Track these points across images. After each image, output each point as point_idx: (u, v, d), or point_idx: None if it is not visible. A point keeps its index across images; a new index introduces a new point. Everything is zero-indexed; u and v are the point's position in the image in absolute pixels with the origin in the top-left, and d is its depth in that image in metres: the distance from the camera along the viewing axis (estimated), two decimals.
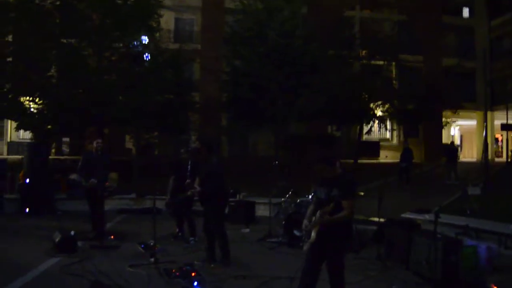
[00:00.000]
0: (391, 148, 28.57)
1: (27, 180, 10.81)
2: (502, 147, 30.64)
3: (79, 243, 6.97)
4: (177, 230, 8.05)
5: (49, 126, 13.80)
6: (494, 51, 28.86)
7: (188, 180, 6.86)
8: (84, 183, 7.73)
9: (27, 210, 10.50)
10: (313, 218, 4.53)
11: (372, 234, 7.77)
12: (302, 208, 7.89)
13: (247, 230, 8.99)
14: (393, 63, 21.56)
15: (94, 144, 7.91)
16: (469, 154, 31.94)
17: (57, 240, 6.70)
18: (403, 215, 9.09)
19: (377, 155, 27.73)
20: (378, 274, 6.02)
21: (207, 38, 25.02)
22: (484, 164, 14.95)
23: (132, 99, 12.61)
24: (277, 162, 10.99)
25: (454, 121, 24.96)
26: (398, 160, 25.85)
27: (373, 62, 20.51)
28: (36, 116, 13.53)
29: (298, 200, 8.26)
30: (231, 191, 10.02)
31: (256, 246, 7.65)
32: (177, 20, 25.89)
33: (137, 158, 15.45)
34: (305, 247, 4.51)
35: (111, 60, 14.31)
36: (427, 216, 8.97)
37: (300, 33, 14.29)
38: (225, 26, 25.01)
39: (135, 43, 12.72)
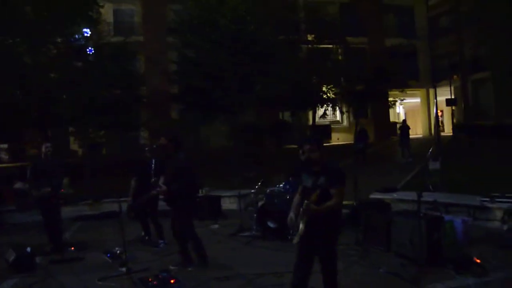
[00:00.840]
0: (342, 130, 29.05)
1: None
2: (443, 122, 32.04)
3: (37, 259, 6.31)
4: (143, 233, 7.54)
5: None
6: (433, 29, 29.92)
7: (153, 178, 6.37)
8: (36, 193, 7.01)
9: None
10: (301, 209, 4.27)
11: (346, 218, 7.66)
12: (274, 198, 7.62)
13: (216, 226, 8.63)
14: (339, 46, 21.71)
15: (43, 149, 7.19)
16: (414, 131, 33.18)
17: (11, 259, 6.00)
18: (371, 196, 9.05)
19: (329, 138, 28.08)
20: (360, 260, 5.88)
21: (149, 29, 24.08)
22: (437, 139, 15.38)
23: (76, 96, 11.69)
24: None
25: (403, 99, 25.67)
26: (350, 142, 26.57)
27: (321, 46, 20.52)
28: None
29: (268, 190, 7.97)
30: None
31: (230, 242, 7.30)
32: (116, 11, 24.63)
33: (87, 160, 14.49)
34: (295, 240, 4.25)
35: (49, 56, 13.23)
36: (395, 195, 9.02)
37: (251, 19, 13.87)
38: (170, 15, 24.30)
39: (76, 36, 11.76)
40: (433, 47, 29.92)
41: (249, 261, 6.16)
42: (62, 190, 7.17)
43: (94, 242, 7.78)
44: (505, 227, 6.93)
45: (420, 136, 29.96)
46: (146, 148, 6.35)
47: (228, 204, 10.79)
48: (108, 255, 6.54)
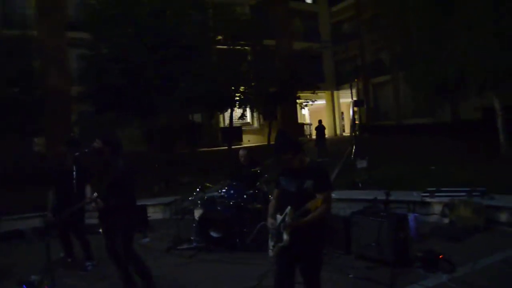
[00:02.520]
0: (252, 132, 29.06)
1: None
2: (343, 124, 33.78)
3: None
4: (64, 255, 6.36)
5: None
6: (335, 35, 31.32)
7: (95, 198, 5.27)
8: None
9: None
10: (278, 216, 3.72)
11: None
12: (216, 205, 6.94)
13: (147, 239, 7.67)
14: (254, 47, 21.56)
15: None
16: None
17: None
18: None
19: (240, 140, 27.89)
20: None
21: (45, 22, 21.64)
22: (356, 137, 15.78)
23: None
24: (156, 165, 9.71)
25: (314, 101, 26.40)
26: (261, 143, 26.60)
27: (235, 47, 20.14)
28: None
29: (206, 197, 7.26)
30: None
31: (170, 258, 6.44)
32: (5, 1, 21.78)
33: None
34: (273, 252, 3.69)
35: None
36: (333, 194, 8.83)
37: (171, 13, 12.90)
38: (70, 9, 22.12)
39: None
40: (336, 52, 31.31)
41: (200, 278, 5.42)
42: None
43: (1, 270, 6.39)
44: (446, 221, 7.08)
45: (327, 136, 31.07)
46: (76, 154, 5.28)
47: (153, 213, 9.81)
48: (24, 286, 5.32)
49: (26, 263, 6.50)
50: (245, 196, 6.82)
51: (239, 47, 20.66)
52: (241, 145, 27.87)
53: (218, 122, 27.74)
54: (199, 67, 12.84)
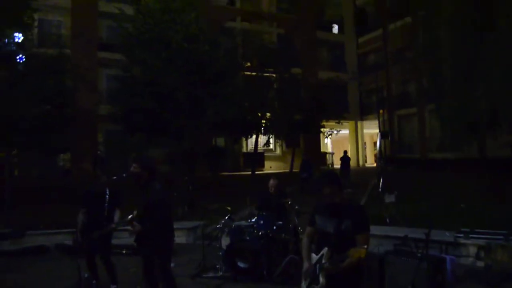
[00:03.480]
0: (274, 158, 28.99)
1: None
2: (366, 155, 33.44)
3: None
4: (89, 276, 6.29)
5: None
6: (361, 66, 31.37)
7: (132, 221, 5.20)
8: None
9: None
10: (313, 255, 3.60)
11: None
12: (244, 234, 6.82)
13: (172, 264, 7.52)
14: (281, 75, 21.73)
15: None
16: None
17: None
18: None
19: (262, 166, 27.84)
20: None
21: (78, 43, 22.36)
22: (383, 170, 15.48)
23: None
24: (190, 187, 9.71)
25: (339, 131, 26.27)
26: (282, 170, 26.45)
27: (263, 74, 20.35)
28: None
29: (234, 225, 7.16)
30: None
31: (197, 285, 6.33)
32: (41, 21, 22.59)
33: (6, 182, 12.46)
34: None
35: None
36: None
37: (204, 38, 13.13)
38: (102, 30, 22.81)
39: (6, 41, 10.11)
40: (362, 82, 31.28)
41: None
42: None
43: (19, 287, 6.38)
44: (481, 264, 6.78)
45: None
46: (114, 177, 5.29)
47: (175, 237, 9.69)
48: None
49: (47, 281, 6.44)
50: (274, 227, 6.69)
51: (266, 74, 20.88)
52: (262, 171, 27.80)
53: (241, 147, 27.82)
54: (228, 93, 12.94)
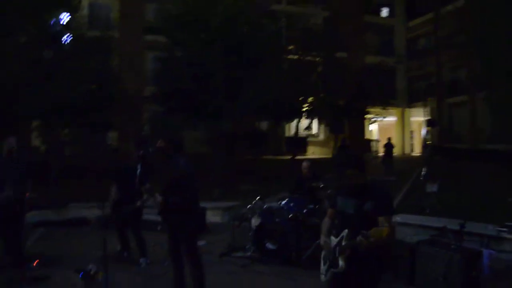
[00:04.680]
0: (317, 143, 28.61)
1: None
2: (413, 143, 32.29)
3: None
4: (121, 248, 6.50)
5: None
6: (411, 50, 30.15)
7: (148, 185, 5.31)
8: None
9: None
10: (331, 238, 3.47)
11: None
12: (274, 216, 6.76)
13: (203, 242, 7.64)
14: (324, 59, 21.23)
15: (5, 146, 6.07)
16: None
17: None
18: None
19: (305, 151, 27.57)
20: None
21: (126, 26, 22.91)
22: (429, 159, 14.96)
23: (46, 90, 10.36)
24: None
25: (384, 117, 25.50)
26: (325, 156, 26.08)
27: (306, 58, 19.93)
28: None
29: (265, 206, 7.11)
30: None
31: (223, 265, 6.36)
32: (91, 5, 23.30)
33: (53, 159, 13.07)
34: (326, 277, 3.44)
35: (19, 44, 11.85)
36: (398, 218, 8.36)
37: (244, 20, 13.00)
38: (148, 13, 23.18)
39: (52, 22, 10.44)
40: (411, 68, 30.10)
41: None
42: (27, 194, 6.02)
43: (60, 255, 6.67)
44: None
45: (395, 154, 29.91)
46: (140, 152, 5.37)
47: (211, 217, 9.83)
48: (81, 274, 5.47)
49: (85, 251, 6.68)
50: (305, 210, 6.58)
51: (309, 58, 20.44)
52: (305, 156, 27.56)
53: (284, 131, 27.64)
54: (267, 76, 12.77)
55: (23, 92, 10.75)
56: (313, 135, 28.35)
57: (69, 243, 7.49)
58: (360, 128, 28.04)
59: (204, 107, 12.52)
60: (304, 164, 7.30)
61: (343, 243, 3.26)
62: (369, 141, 29.80)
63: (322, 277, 3.44)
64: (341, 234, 3.32)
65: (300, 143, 27.00)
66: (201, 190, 11.96)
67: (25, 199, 5.98)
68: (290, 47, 20.84)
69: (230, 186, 12.30)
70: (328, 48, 21.40)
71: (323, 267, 3.47)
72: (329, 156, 24.30)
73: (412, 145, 32.01)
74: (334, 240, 3.41)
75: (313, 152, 27.76)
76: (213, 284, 5.24)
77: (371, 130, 31.54)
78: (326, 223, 3.62)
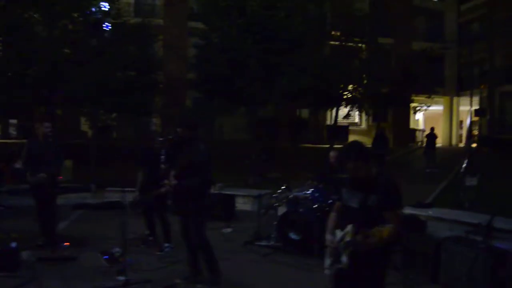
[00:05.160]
0: (360, 132, 28.00)
1: None
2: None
3: (24, 254, 5.48)
4: (148, 233, 6.67)
5: None
6: (462, 36, 28.66)
7: (163, 166, 5.42)
8: (31, 179, 6.16)
9: None
10: (337, 232, 3.36)
11: None
12: (299, 206, 6.70)
13: (229, 229, 7.72)
14: (368, 44, 20.58)
15: (42, 129, 6.33)
16: None
17: None
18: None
19: (346, 140, 27.07)
20: None
21: (170, 12, 23.25)
22: (471, 150, 14.29)
23: (90, 75, 10.78)
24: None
25: (429, 106, 24.53)
26: (367, 145, 25.51)
27: (349, 43, 19.38)
28: None
29: (291, 195, 7.05)
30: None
31: (245, 253, 6.39)
32: None
33: (94, 143, 13.58)
34: (329, 271, 3.35)
35: (66, 30, 12.34)
36: (430, 212, 8.05)
37: (282, 5, 12.83)
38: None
39: (93, 9, 10.79)
40: (461, 54, 28.65)
41: (271, 280, 5.26)
42: (61, 177, 6.29)
43: (92, 237, 6.95)
44: None
45: (440, 145, 28.78)
46: (161, 138, 5.46)
47: (241, 204, 9.91)
48: (106, 256, 5.68)
49: (116, 234, 6.88)
50: (330, 201, 6.46)
51: (351, 43, 19.87)
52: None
53: (325, 119, 27.25)
54: (304, 62, 12.53)
55: (68, 75, 11.21)
56: (355, 124, 27.79)
57: (101, 225, 7.75)
58: (405, 117, 27.16)
59: (240, 93, 12.52)
60: (332, 153, 7.15)
61: (346, 239, 3.15)
62: (414, 130, 28.83)
63: (326, 271, 3.36)
64: (346, 229, 3.21)
65: (341, 131, 26.56)
66: (236, 177, 12.07)
67: (58, 181, 6.24)
68: (333, 33, 20.35)
69: (265, 174, 12.27)
70: (373, 33, 20.72)
71: (326, 261, 3.39)
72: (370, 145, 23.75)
73: (460, 136, 30.68)
74: (339, 234, 3.31)
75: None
76: (230, 271, 5.29)
77: (417, 120, 30.50)
78: (332, 218, 3.51)
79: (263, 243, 6.76)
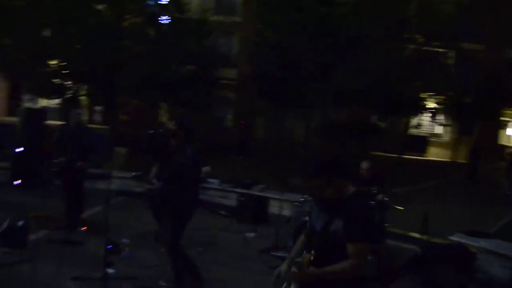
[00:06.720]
0: (440, 145, 26.01)
1: (19, 149, 9.62)
2: None
3: (38, 234, 5.65)
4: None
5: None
6: None
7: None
8: (56, 160, 6.39)
9: (17, 182, 9.31)
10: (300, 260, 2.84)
11: (407, 260, 5.97)
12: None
13: (252, 234, 7.37)
14: (452, 50, 18.97)
15: (73, 115, 6.54)
16: None
17: (2, 229, 5.38)
18: (451, 237, 7.01)
19: (423, 151, 25.31)
20: None
21: (248, 10, 23.28)
22: None
23: (144, 66, 11.07)
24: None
25: None
26: (448, 160, 23.55)
27: (428, 48, 17.96)
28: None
29: (308, 206, 6.52)
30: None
31: (256, 262, 6.00)
32: None
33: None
34: None
35: (133, 22, 12.83)
36: (483, 243, 6.95)
37: (341, 1, 12.08)
38: None
39: (151, 2, 11.05)
40: None
41: None
42: (82, 162, 6.39)
43: (115, 225, 6.91)
44: None
45: None
46: (151, 132, 5.31)
47: (277, 208, 9.45)
48: (110, 246, 5.63)
49: (138, 223, 6.88)
50: None
51: (434, 48, 18.38)
52: (423, 157, 25.23)
53: (402, 127, 25.67)
54: (361, 62, 11.63)
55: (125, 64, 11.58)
56: (436, 135, 25.84)
57: (133, 214, 7.79)
58: (494, 131, 24.68)
59: (293, 94, 12.04)
60: (364, 164, 6.50)
61: (292, 268, 2.66)
62: (503, 147, 26.07)
63: None
64: (303, 255, 2.72)
65: (418, 142, 24.81)
66: (282, 179, 11.58)
67: (79, 167, 6.36)
68: (420, 38, 18.91)
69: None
70: (459, 38, 19.03)
71: None
72: (458, 160, 21.88)
73: None
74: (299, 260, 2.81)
75: (436, 154, 25.32)
76: (228, 279, 5.00)
77: (509, 136, 27.62)
78: (298, 242, 3.01)
79: (280, 253, 6.32)
